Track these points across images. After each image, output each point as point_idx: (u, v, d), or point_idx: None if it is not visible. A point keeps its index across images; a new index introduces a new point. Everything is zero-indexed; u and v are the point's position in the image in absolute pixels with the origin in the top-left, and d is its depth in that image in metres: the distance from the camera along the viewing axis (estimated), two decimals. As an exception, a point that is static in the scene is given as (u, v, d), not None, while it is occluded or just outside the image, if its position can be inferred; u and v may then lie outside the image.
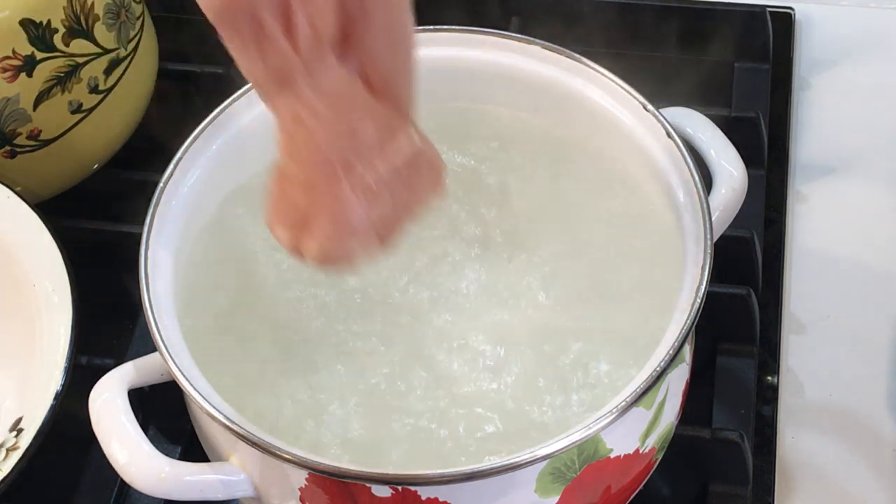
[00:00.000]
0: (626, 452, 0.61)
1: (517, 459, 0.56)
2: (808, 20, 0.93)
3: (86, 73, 0.77)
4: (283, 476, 0.60)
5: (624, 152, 0.68)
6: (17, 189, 0.75)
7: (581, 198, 0.70)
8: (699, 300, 0.60)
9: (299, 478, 0.59)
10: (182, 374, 0.59)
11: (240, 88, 0.69)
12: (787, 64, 0.90)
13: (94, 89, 0.78)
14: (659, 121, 0.66)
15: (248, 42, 0.47)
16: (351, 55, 0.49)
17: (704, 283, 0.60)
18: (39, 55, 0.75)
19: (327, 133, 0.48)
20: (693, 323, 0.59)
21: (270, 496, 0.61)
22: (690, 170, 0.64)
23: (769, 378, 0.75)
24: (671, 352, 0.58)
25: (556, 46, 0.70)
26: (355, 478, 0.57)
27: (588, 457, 0.59)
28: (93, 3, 0.77)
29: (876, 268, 0.80)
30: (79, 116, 0.78)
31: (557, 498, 0.59)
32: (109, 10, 0.78)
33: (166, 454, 0.60)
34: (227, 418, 0.58)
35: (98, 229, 0.81)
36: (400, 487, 0.57)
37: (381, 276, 0.69)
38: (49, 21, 0.74)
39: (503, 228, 0.70)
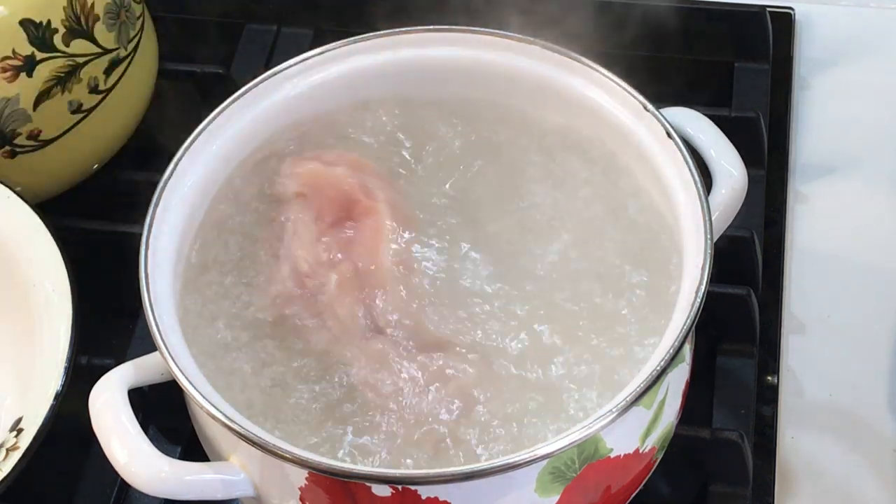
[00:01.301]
0: (626, 452, 0.61)
1: (517, 459, 0.56)
2: (808, 20, 0.93)
3: (86, 73, 0.77)
4: (283, 476, 0.60)
5: (624, 152, 0.68)
6: (17, 189, 0.75)
7: (580, 198, 0.70)
8: (699, 300, 0.60)
9: (299, 477, 0.59)
10: (182, 374, 0.59)
11: (240, 88, 0.69)
12: (787, 64, 0.90)
13: (94, 89, 0.78)
14: (659, 121, 0.66)
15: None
16: None
17: (704, 283, 0.60)
18: (39, 55, 0.75)
19: None
20: (693, 323, 0.59)
21: (270, 496, 0.61)
22: (690, 170, 0.64)
23: (769, 378, 0.75)
24: (671, 351, 0.58)
25: (556, 46, 0.70)
26: (355, 477, 0.57)
27: (588, 456, 0.59)
28: (93, 3, 0.77)
29: (876, 268, 0.80)
30: (79, 116, 0.78)
31: (557, 498, 0.59)
32: (109, 10, 0.78)
33: (166, 454, 0.60)
34: (228, 418, 0.58)
35: (98, 229, 0.81)
36: (400, 487, 0.57)
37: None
38: (49, 21, 0.74)
39: (502, 225, 0.70)
